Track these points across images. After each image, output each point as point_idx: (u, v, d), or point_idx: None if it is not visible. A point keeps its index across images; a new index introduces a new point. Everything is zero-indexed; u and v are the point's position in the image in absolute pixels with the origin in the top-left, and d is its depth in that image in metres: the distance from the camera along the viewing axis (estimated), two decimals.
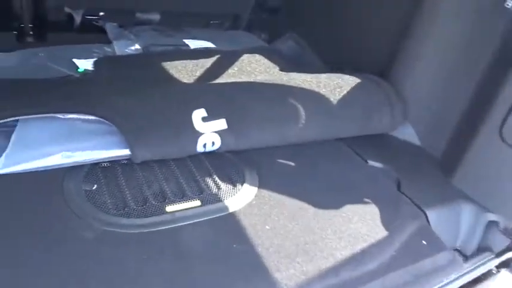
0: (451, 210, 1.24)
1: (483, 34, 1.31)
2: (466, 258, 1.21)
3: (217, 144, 1.20)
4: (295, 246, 0.99)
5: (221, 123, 1.20)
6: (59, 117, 1.14)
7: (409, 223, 1.12)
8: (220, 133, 1.20)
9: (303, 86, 1.41)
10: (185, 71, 1.53)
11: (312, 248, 0.99)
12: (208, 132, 1.18)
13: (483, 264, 1.17)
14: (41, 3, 1.75)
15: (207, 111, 1.20)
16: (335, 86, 1.43)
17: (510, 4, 1.23)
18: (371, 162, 1.34)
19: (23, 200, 0.98)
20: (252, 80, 1.49)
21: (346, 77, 1.50)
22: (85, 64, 1.55)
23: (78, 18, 1.85)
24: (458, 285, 1.07)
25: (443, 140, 1.41)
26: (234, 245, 0.96)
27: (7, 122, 1.09)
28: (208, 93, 1.31)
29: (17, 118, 1.09)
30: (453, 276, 1.06)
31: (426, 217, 1.16)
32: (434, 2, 1.44)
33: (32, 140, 1.08)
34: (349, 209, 1.12)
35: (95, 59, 1.56)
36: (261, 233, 1.01)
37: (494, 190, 1.24)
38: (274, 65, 1.70)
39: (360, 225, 1.08)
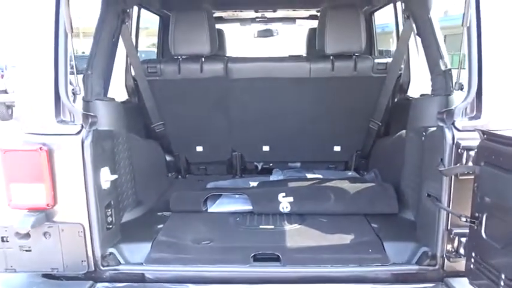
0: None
1: None
2: None
3: (289, 208, 2.78)
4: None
5: (291, 199, 2.79)
6: (234, 196, 3.01)
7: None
8: (290, 203, 2.78)
9: (341, 187, 2.89)
10: (296, 183, 3.21)
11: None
12: (285, 202, 2.78)
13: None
14: (243, 162, 3.86)
15: (285, 193, 2.83)
16: (357, 187, 2.84)
17: None
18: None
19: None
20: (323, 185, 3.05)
21: (366, 184, 2.89)
22: (253, 183, 3.44)
23: (259, 166, 3.88)
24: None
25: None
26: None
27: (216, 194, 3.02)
28: (290, 186, 2.96)
29: (221, 193, 3.01)
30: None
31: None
32: None
33: (222, 201, 2.96)
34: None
35: (258, 181, 3.44)
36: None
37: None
38: (349, 182, 3.19)
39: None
